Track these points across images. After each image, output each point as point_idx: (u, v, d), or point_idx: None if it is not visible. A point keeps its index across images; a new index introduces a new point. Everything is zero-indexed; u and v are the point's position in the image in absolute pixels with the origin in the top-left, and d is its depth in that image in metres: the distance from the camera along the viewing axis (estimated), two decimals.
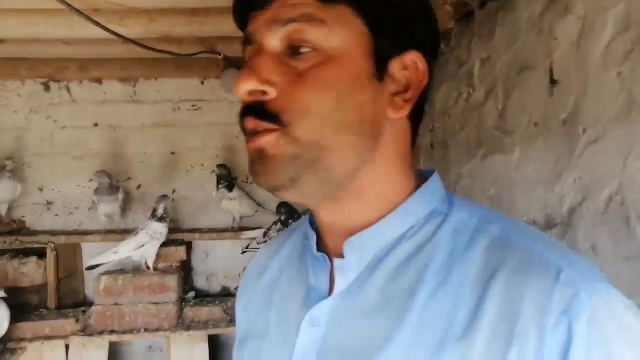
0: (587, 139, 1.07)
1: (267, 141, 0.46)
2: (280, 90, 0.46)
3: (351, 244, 0.50)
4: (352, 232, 0.51)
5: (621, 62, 0.96)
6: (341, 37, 0.46)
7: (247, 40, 0.50)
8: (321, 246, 0.55)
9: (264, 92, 0.46)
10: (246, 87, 0.46)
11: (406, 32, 0.49)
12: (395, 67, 0.49)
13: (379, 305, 0.47)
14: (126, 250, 2.13)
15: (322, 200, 0.50)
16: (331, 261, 0.52)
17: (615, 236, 0.99)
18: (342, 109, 0.46)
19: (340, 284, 0.51)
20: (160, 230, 2.16)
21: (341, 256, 0.51)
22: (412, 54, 0.49)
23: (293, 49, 0.46)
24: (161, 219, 2.19)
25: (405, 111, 0.49)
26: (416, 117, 0.52)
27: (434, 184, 0.54)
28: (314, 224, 0.57)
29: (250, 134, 0.47)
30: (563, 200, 1.16)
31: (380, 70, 0.48)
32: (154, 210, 2.21)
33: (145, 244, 2.13)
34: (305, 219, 0.61)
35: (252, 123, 0.47)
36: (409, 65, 0.49)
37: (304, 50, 0.46)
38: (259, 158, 0.46)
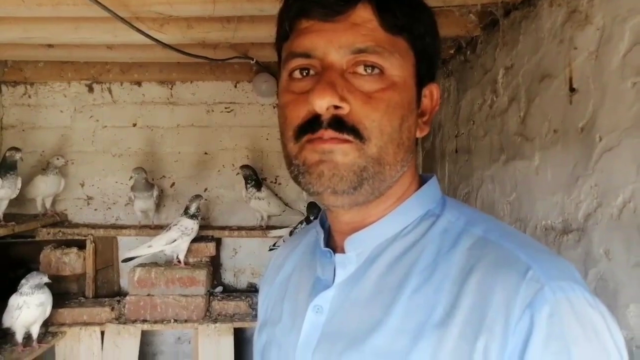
0: (603, 146, 1.09)
1: (341, 149, 0.49)
2: (352, 107, 0.49)
3: (352, 241, 0.56)
4: (357, 230, 0.56)
5: (637, 72, 0.98)
6: (402, 65, 0.52)
7: (299, 53, 0.52)
8: (330, 243, 0.60)
9: (339, 107, 0.49)
10: (328, 101, 0.48)
11: (434, 63, 0.57)
12: (423, 95, 0.56)
13: (373, 296, 0.53)
14: (159, 245, 2.24)
15: (359, 204, 0.53)
16: None
17: (628, 242, 1.01)
18: (402, 130, 0.52)
19: (340, 276, 0.56)
20: (191, 226, 2.26)
21: (344, 252, 0.57)
22: (431, 84, 0.57)
23: (357, 66, 0.50)
24: (193, 216, 2.29)
25: (426, 131, 0.57)
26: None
27: (431, 187, 0.59)
28: (325, 223, 0.63)
29: (318, 139, 0.50)
30: (579, 206, 1.18)
31: (419, 97, 0.55)
32: (187, 208, 2.31)
33: (176, 239, 2.23)
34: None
35: (333, 134, 0.49)
36: (427, 93, 0.57)
37: (369, 71, 0.50)
38: (326, 161, 0.49)
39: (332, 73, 0.50)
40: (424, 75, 0.55)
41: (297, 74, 0.53)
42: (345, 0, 0.50)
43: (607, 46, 1.07)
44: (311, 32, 0.51)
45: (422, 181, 0.59)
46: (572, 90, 1.21)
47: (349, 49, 0.50)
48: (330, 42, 0.50)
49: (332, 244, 0.60)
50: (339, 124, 0.49)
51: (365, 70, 0.50)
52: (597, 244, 1.11)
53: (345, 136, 0.49)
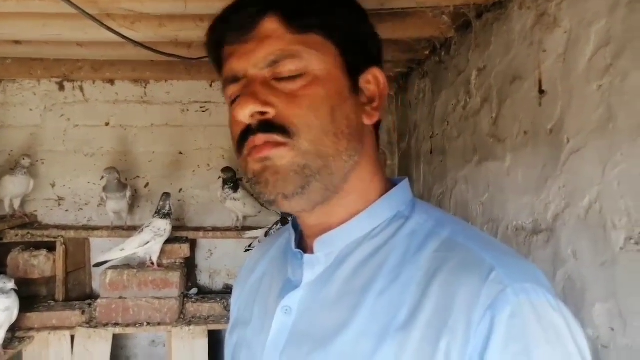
0: (571, 148, 1.11)
1: (276, 153, 0.50)
2: (278, 110, 0.51)
3: (321, 242, 0.56)
4: (326, 231, 0.56)
5: (602, 76, 1.00)
6: (321, 59, 0.52)
7: (229, 79, 0.55)
8: (302, 245, 0.61)
9: (264, 113, 0.51)
10: (249, 109, 0.51)
11: (366, 50, 0.58)
12: (362, 81, 0.56)
13: (340, 297, 0.53)
14: (132, 247, 2.19)
15: (318, 204, 0.54)
16: None
17: (594, 242, 1.02)
18: (335, 120, 0.52)
19: (307, 276, 0.56)
20: (163, 227, 2.22)
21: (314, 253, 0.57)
22: (372, 69, 0.57)
23: (279, 76, 0.52)
24: (165, 216, 2.25)
25: (375, 118, 0.57)
26: (377, 123, 0.60)
27: (401, 189, 0.59)
28: (297, 226, 0.63)
29: (254, 149, 0.52)
30: (548, 206, 1.20)
31: (354, 84, 0.55)
32: (158, 208, 2.28)
33: (149, 241, 2.19)
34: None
35: (263, 137, 0.51)
36: (371, 79, 0.57)
37: (290, 75, 0.52)
38: (267, 168, 0.51)
39: (253, 85, 0.52)
40: (354, 63, 0.55)
41: (230, 85, 0.56)
42: (251, 17, 0.53)
43: (574, 49, 1.09)
44: (232, 56, 0.54)
45: (392, 184, 0.60)
46: (541, 92, 1.23)
47: (264, 62, 0.52)
48: (248, 61, 0.53)
49: (303, 245, 0.61)
50: (267, 126, 0.51)
51: (286, 76, 0.52)
52: (565, 244, 1.13)
53: (275, 137, 0.50)
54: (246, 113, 0.51)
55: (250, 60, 0.52)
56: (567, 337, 0.44)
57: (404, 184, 0.60)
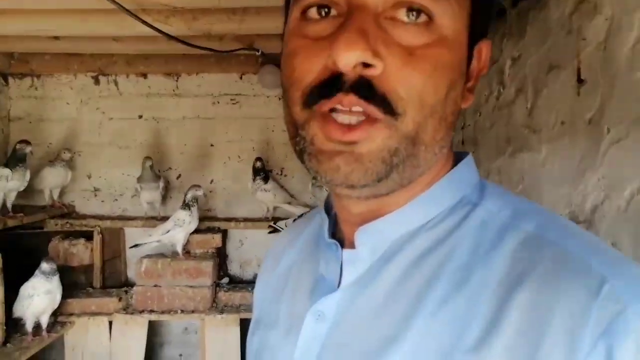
0: (611, 138, 1.08)
1: (367, 136, 0.37)
2: (387, 68, 0.36)
3: (364, 232, 0.44)
4: (372, 219, 0.44)
5: None
6: (456, 13, 0.38)
7: (313, 2, 0.39)
8: (337, 233, 0.49)
9: (369, 65, 0.36)
10: (357, 56, 0.35)
11: (490, 16, 0.45)
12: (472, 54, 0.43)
13: (387, 304, 0.41)
14: (157, 234, 2.27)
15: (382, 196, 0.42)
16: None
17: (635, 234, 1.01)
18: (448, 101, 0.39)
19: (348, 277, 0.45)
20: (183, 217, 2.26)
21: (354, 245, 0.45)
22: (482, 41, 0.44)
23: (397, 10, 0.37)
24: (186, 207, 2.29)
25: (470, 101, 0.44)
26: None
27: (466, 168, 0.46)
28: (330, 209, 0.51)
29: (331, 115, 0.38)
30: (586, 198, 1.18)
31: (469, 57, 0.42)
32: (184, 199, 2.33)
33: (170, 230, 2.25)
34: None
35: (354, 101, 0.36)
36: (475, 53, 0.43)
37: (413, 17, 0.37)
38: (344, 153, 0.37)
39: (364, 17, 0.36)
40: (477, 29, 0.42)
41: (313, 12, 0.39)
42: None
43: (616, 37, 1.06)
44: None
45: (455, 161, 0.46)
46: (580, 81, 1.20)
47: None
48: None
49: (339, 234, 0.48)
50: (367, 89, 0.36)
51: (409, 15, 0.37)
52: (604, 237, 1.11)
53: (374, 110, 0.36)
54: (351, 59, 0.35)
55: None
56: None
57: (469, 160, 0.46)
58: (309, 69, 0.38)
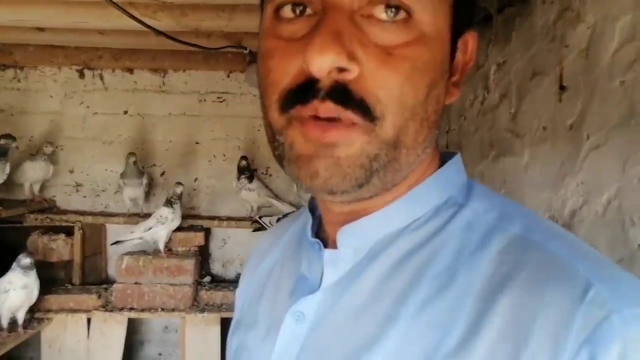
0: (590, 144, 1.10)
1: (345, 139, 0.36)
2: (363, 70, 0.35)
3: (347, 232, 0.43)
4: (355, 219, 0.43)
5: (625, 71, 0.99)
6: (436, 7, 0.37)
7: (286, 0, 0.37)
8: (320, 233, 0.48)
9: (343, 69, 0.34)
10: (331, 61, 0.33)
11: (473, 6, 0.43)
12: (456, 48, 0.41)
13: (369, 305, 0.40)
14: (139, 231, 2.25)
15: (364, 200, 0.41)
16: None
17: (612, 239, 1.02)
18: (429, 101, 0.37)
19: (329, 277, 0.44)
20: (166, 215, 2.25)
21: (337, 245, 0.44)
22: (469, 32, 0.42)
23: (373, 7, 0.35)
24: (169, 204, 2.27)
25: (456, 96, 0.42)
26: None
27: (453, 168, 0.45)
28: (315, 209, 0.50)
29: (311, 120, 0.36)
30: (565, 202, 1.20)
31: (452, 52, 0.40)
32: (167, 196, 2.32)
33: (152, 227, 2.23)
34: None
35: (333, 109, 0.35)
36: (461, 45, 0.41)
37: (391, 14, 0.35)
38: (323, 157, 0.36)
39: (338, 16, 0.35)
40: (461, 21, 0.40)
41: (287, 11, 0.37)
42: None
43: (598, 44, 1.08)
44: None
45: (443, 160, 0.45)
46: (562, 88, 1.22)
47: None
48: None
49: (323, 234, 0.48)
50: (342, 94, 0.35)
51: (387, 12, 0.35)
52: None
53: (351, 115, 0.35)
54: (324, 64, 0.33)
55: None
56: None
57: (457, 160, 0.45)
58: (285, 72, 0.37)
